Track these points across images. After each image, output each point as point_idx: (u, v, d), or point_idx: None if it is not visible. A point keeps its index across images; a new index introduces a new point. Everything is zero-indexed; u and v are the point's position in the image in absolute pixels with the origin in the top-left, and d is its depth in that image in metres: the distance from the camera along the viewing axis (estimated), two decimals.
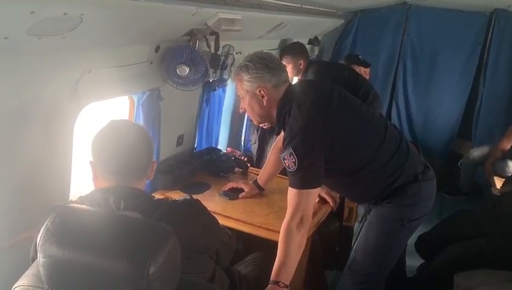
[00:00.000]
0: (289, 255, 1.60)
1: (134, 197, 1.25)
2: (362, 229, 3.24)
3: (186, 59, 2.02)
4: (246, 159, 2.95)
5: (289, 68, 3.24)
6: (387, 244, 1.86)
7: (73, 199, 1.34)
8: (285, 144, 1.64)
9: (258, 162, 3.05)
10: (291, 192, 1.65)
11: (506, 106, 4.30)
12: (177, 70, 2.03)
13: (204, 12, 1.86)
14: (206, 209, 1.46)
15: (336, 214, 2.50)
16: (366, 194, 1.87)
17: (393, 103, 4.76)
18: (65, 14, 1.20)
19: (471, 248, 2.42)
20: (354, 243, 3.09)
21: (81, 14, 1.26)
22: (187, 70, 2.04)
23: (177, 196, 2.12)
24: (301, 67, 3.24)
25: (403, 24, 4.57)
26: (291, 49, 3.33)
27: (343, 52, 4.65)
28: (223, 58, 2.34)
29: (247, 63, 1.74)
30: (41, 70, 1.45)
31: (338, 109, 1.70)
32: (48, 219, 1.02)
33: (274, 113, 1.75)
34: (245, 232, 1.93)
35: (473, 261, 2.32)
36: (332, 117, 1.67)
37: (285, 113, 1.69)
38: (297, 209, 1.63)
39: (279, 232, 1.77)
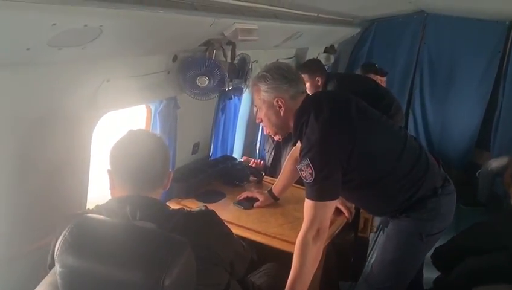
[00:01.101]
0: (304, 267, 1.59)
1: (150, 207, 1.26)
2: (379, 241, 3.22)
3: (206, 70, 2.03)
4: (262, 162, 2.96)
5: (307, 86, 3.23)
6: (405, 258, 1.82)
7: (91, 208, 1.35)
8: (302, 155, 1.63)
9: (273, 171, 3.05)
10: (308, 204, 1.64)
11: None
12: (197, 82, 2.05)
13: (222, 22, 1.88)
14: (221, 220, 1.45)
15: (351, 225, 2.48)
16: (384, 207, 1.85)
17: (410, 112, 4.71)
18: (85, 25, 1.22)
19: (489, 261, 2.37)
20: (369, 254, 3.06)
21: (101, 26, 1.28)
22: (207, 81, 2.06)
23: (192, 204, 2.15)
24: (319, 84, 3.21)
25: (420, 32, 4.54)
26: (307, 66, 3.31)
27: (359, 60, 4.64)
28: (239, 67, 2.34)
29: (264, 73, 1.74)
30: (61, 80, 1.48)
31: (356, 119, 1.69)
32: (66, 229, 1.04)
33: (291, 123, 1.74)
34: (259, 243, 1.92)
35: (492, 274, 2.27)
36: (350, 128, 1.66)
37: (303, 124, 1.68)
38: (314, 222, 1.62)
39: (294, 243, 1.76)
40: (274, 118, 1.77)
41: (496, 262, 2.33)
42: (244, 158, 3.03)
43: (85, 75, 1.57)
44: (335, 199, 1.67)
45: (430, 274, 2.66)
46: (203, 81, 2.04)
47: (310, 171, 1.59)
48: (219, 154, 2.71)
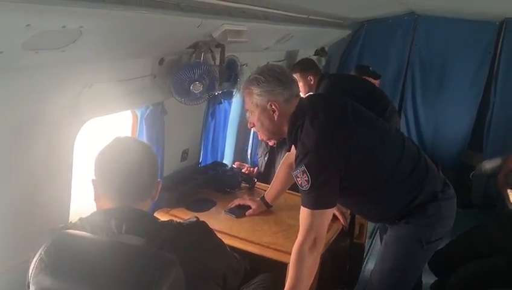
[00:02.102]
0: (300, 279, 1.52)
1: (137, 220, 1.19)
2: (377, 249, 3.16)
3: (199, 76, 1.95)
4: (255, 170, 2.88)
5: (300, 85, 3.17)
6: (405, 267, 1.76)
7: (73, 221, 1.26)
8: (298, 162, 1.56)
9: (266, 176, 2.97)
10: (304, 212, 1.57)
11: None
12: (192, 88, 1.99)
13: (210, 23, 1.80)
14: (213, 232, 1.38)
15: (347, 231, 2.41)
16: (382, 213, 1.78)
17: (402, 114, 4.63)
18: (63, 26, 1.13)
19: (488, 266, 2.32)
20: (365, 261, 2.99)
21: (81, 27, 1.19)
22: (201, 87, 1.99)
23: (182, 213, 2.07)
24: (312, 83, 3.14)
25: (411, 34, 4.49)
26: (299, 65, 3.24)
27: (350, 62, 4.58)
28: (228, 70, 2.27)
29: (257, 76, 1.66)
30: (40, 85, 1.39)
31: (353, 123, 1.62)
32: (42, 248, 0.95)
33: (285, 128, 1.68)
34: (252, 253, 1.84)
35: (490, 279, 2.22)
36: (347, 132, 1.59)
37: (297, 129, 1.62)
38: (310, 231, 1.55)
39: (288, 253, 1.70)
40: (267, 123, 1.69)
41: (493, 267, 2.28)
42: (237, 164, 2.94)
43: (65, 80, 1.48)
44: (332, 207, 1.60)
45: (427, 279, 2.60)
46: (197, 88, 1.98)
47: (306, 178, 1.52)
48: (209, 161, 2.63)
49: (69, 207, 1.67)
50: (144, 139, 1.97)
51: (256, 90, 1.66)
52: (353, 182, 1.63)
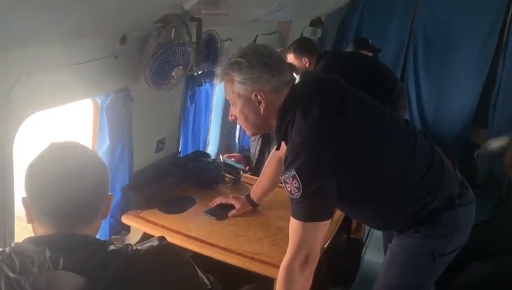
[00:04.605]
0: None
1: (79, 251, 0.94)
2: (371, 238, 2.96)
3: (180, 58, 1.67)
4: (248, 168, 2.61)
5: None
6: (414, 283, 1.49)
7: (4, 249, 1.00)
8: (287, 164, 1.27)
9: (259, 163, 2.69)
10: (294, 224, 1.30)
11: None
12: (173, 74, 1.72)
13: None
14: (180, 256, 1.12)
15: (343, 226, 2.16)
16: (388, 222, 1.51)
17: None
18: None
19: (497, 266, 2.11)
20: (362, 257, 2.77)
21: None
22: (182, 71, 1.72)
23: (153, 216, 1.81)
24: (307, 66, 2.83)
25: (413, 3, 4.20)
26: (295, 45, 2.91)
27: (348, 34, 4.33)
28: (207, 48, 1.96)
29: (239, 59, 1.35)
30: None
31: (354, 117, 1.33)
32: None
33: (273, 122, 1.38)
34: (235, 266, 1.58)
35: (501, 281, 2.02)
36: (346, 129, 1.30)
37: (288, 124, 1.32)
38: (301, 246, 1.28)
39: (275, 265, 1.49)
40: (252, 116, 1.39)
41: (504, 267, 2.07)
42: (226, 156, 2.62)
43: None
44: (328, 219, 1.31)
45: None
46: (179, 73, 1.70)
47: (297, 185, 1.24)
48: (190, 150, 2.34)
49: (12, 225, 1.40)
50: (106, 132, 1.68)
51: (237, 77, 1.35)
52: (355, 188, 1.36)
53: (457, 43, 4.14)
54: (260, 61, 1.34)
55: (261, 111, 1.37)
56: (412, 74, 4.37)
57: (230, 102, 1.44)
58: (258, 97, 1.35)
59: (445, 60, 4.22)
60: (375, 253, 2.70)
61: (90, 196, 0.99)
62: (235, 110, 1.43)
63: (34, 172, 0.97)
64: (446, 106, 4.33)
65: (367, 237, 2.95)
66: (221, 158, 2.35)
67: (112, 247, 1.00)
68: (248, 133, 1.53)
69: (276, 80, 1.35)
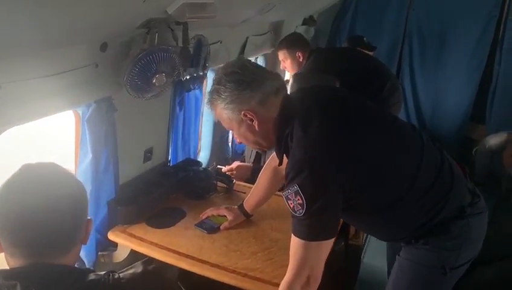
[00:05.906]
0: None
1: (53, 283, 0.86)
2: (369, 241, 2.88)
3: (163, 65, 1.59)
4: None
5: (287, 64, 2.82)
6: None
7: None
8: (289, 180, 1.19)
9: (256, 168, 2.59)
10: (296, 243, 1.22)
11: None
12: (154, 81, 1.64)
13: None
14: (167, 283, 1.04)
15: (341, 232, 2.08)
16: (395, 233, 1.43)
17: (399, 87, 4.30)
18: None
19: (502, 270, 2.06)
20: (362, 261, 2.69)
21: None
22: (164, 79, 1.64)
23: (141, 231, 1.72)
24: (301, 60, 2.75)
25: None
26: (285, 41, 2.85)
27: (341, 32, 4.23)
28: (194, 52, 1.87)
29: (216, 86, 1.31)
30: None
31: (358, 126, 1.25)
32: None
33: (272, 136, 1.32)
34: (227, 284, 1.50)
35: (506, 286, 1.98)
36: (351, 139, 1.22)
37: (287, 137, 1.25)
38: (303, 267, 1.20)
39: (268, 282, 1.45)
40: (251, 135, 1.34)
41: (509, 271, 2.01)
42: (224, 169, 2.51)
43: None
44: (333, 237, 1.23)
45: None
46: (161, 79, 1.63)
47: (300, 202, 1.16)
48: (180, 158, 2.25)
49: None
50: (88, 144, 1.59)
51: (220, 104, 1.31)
52: (362, 201, 1.28)
53: (453, 38, 4.05)
54: (235, 81, 1.29)
55: (256, 128, 1.31)
56: (407, 70, 4.28)
57: (227, 128, 1.40)
58: (248, 116, 1.29)
59: (441, 56, 4.13)
60: (375, 257, 2.62)
61: (65, 225, 0.90)
62: (235, 134, 1.40)
63: (2, 201, 0.89)
64: (443, 102, 4.24)
65: (365, 241, 2.87)
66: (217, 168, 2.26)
67: (91, 276, 0.92)
68: (260, 150, 1.48)
69: (259, 92, 1.29)
